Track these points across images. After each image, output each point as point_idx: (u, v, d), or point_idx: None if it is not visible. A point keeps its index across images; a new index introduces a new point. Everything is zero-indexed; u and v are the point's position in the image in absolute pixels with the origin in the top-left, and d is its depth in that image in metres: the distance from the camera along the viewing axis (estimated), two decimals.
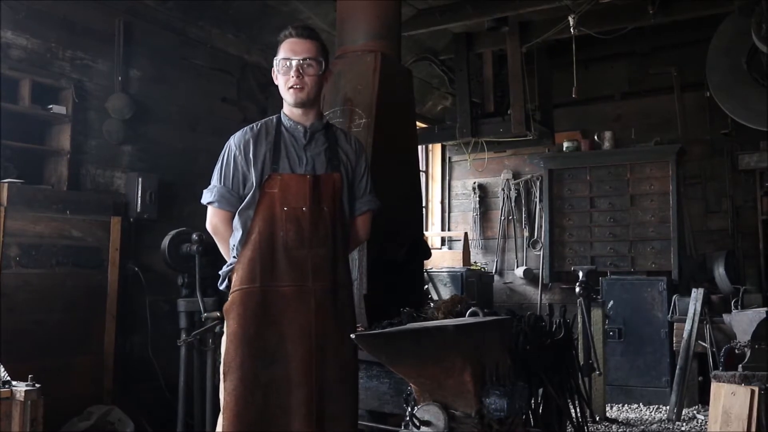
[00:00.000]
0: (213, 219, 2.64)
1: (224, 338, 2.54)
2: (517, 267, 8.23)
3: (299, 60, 2.57)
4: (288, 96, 2.61)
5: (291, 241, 2.51)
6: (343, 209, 2.66)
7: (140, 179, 4.90)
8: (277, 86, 2.70)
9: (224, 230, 2.62)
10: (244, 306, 2.48)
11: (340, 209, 2.63)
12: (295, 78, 2.57)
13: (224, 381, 2.47)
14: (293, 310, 2.49)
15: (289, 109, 2.66)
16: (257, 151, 2.58)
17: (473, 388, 2.30)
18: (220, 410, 2.52)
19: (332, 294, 2.56)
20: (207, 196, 2.62)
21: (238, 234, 2.56)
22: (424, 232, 6.92)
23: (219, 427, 2.51)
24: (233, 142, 2.63)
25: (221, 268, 2.65)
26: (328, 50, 2.72)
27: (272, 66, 2.67)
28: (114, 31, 4.95)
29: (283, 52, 2.61)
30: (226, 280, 2.60)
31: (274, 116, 2.72)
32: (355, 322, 2.72)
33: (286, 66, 2.58)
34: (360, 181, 2.76)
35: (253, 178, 2.56)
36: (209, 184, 2.70)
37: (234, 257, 2.58)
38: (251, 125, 2.67)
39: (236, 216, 2.58)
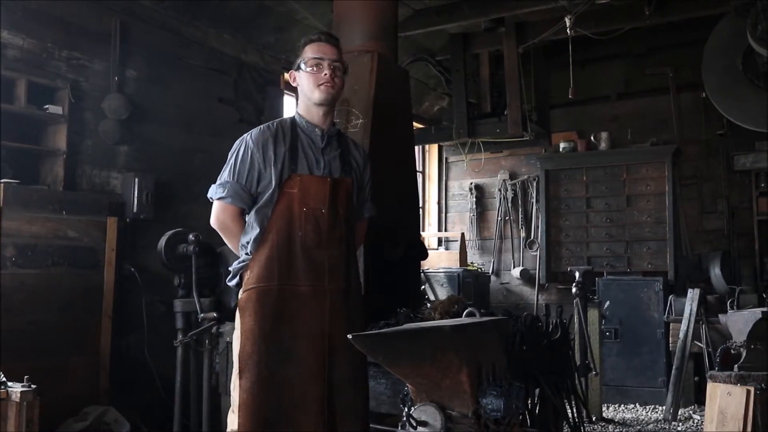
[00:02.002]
0: (221, 214, 2.65)
1: (236, 334, 2.57)
2: (514, 267, 8.24)
3: (330, 59, 2.65)
4: (318, 93, 2.64)
5: (310, 241, 2.55)
6: (354, 213, 2.74)
7: (137, 179, 4.89)
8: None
9: (233, 226, 2.65)
10: (261, 303, 2.51)
11: (351, 213, 2.71)
12: (328, 75, 2.62)
13: (240, 378, 2.48)
14: (308, 309, 2.53)
15: (307, 110, 2.70)
16: (277, 151, 2.60)
17: (470, 388, 2.30)
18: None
19: (345, 295, 2.62)
20: (219, 192, 2.62)
21: (254, 232, 2.58)
22: (421, 233, 6.93)
23: (231, 426, 2.53)
24: (251, 139, 2.64)
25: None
26: None
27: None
28: (110, 31, 4.94)
29: (311, 52, 2.66)
30: (237, 277, 2.63)
31: (287, 117, 2.75)
32: (364, 322, 2.77)
33: (318, 65, 2.64)
34: (364, 188, 2.85)
35: (271, 177, 2.58)
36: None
37: (247, 254, 2.61)
38: (267, 124, 2.70)
39: (252, 214, 2.61)
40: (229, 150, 2.70)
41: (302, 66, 2.67)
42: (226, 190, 2.60)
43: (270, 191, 2.58)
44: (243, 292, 2.57)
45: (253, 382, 2.45)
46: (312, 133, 2.69)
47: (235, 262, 2.66)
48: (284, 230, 2.55)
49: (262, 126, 2.70)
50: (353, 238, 2.74)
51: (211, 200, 2.69)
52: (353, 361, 2.58)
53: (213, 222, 2.69)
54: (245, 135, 2.67)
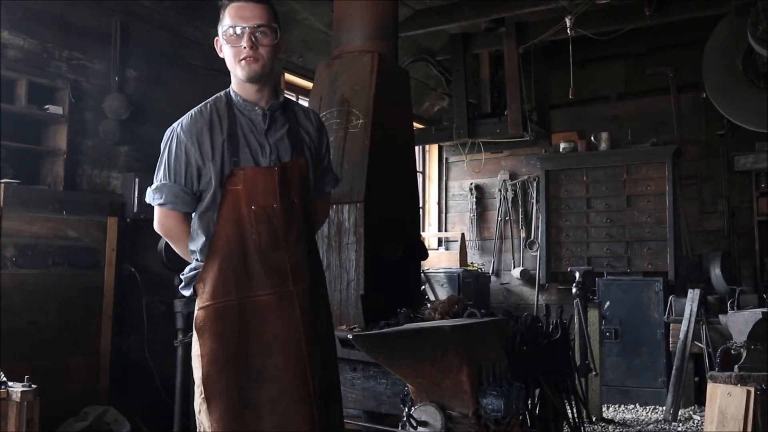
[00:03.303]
0: (165, 221, 2.31)
1: (196, 352, 2.24)
2: (514, 268, 8.24)
3: (251, 27, 2.22)
4: (240, 70, 2.26)
5: (264, 243, 2.21)
6: (311, 198, 2.40)
7: (137, 179, 4.89)
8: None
9: (180, 231, 2.32)
10: (222, 323, 2.19)
11: (308, 199, 2.37)
12: (248, 48, 2.22)
13: (208, 408, 2.18)
14: (276, 318, 2.21)
15: (240, 87, 2.32)
16: (214, 142, 2.23)
17: (470, 388, 2.30)
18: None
19: (311, 293, 2.30)
20: (156, 197, 2.27)
21: (200, 240, 2.27)
22: (421, 233, 6.92)
23: None
24: (181, 130, 2.26)
25: None
26: (278, 12, 2.36)
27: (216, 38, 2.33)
28: (110, 31, 4.94)
29: (229, 18, 2.24)
30: (190, 287, 2.29)
31: (222, 93, 2.36)
32: (332, 318, 2.50)
33: (236, 35, 2.23)
34: (322, 160, 2.49)
35: (211, 173, 2.22)
36: None
37: (197, 260, 2.29)
38: (199, 109, 2.32)
39: (196, 219, 2.29)
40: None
41: (221, 34, 2.28)
42: (164, 195, 2.25)
43: (212, 191, 2.23)
44: (198, 310, 2.23)
45: (224, 411, 2.15)
46: (252, 113, 2.30)
47: (187, 269, 2.33)
48: (234, 235, 2.20)
49: (193, 111, 2.31)
50: (312, 228, 2.43)
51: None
52: (330, 363, 2.35)
53: (157, 228, 2.36)
54: (175, 124, 2.30)
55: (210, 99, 2.36)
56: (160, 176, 2.27)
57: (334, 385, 2.37)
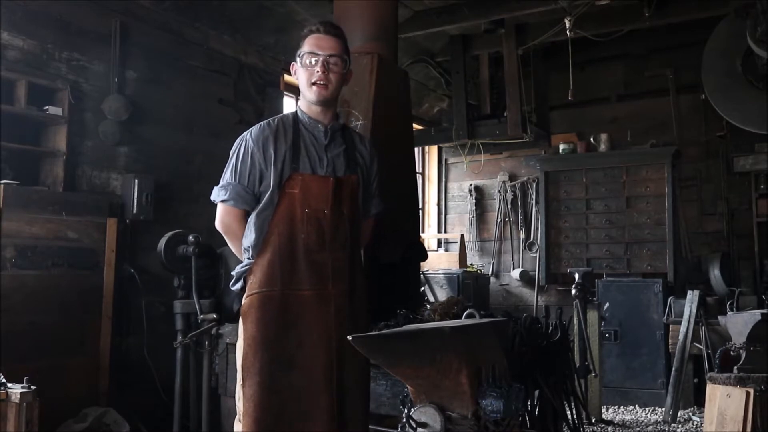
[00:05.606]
0: (226, 217, 2.57)
1: (240, 341, 2.49)
2: (514, 269, 8.24)
3: (326, 56, 2.52)
4: (310, 92, 2.54)
5: (312, 243, 2.47)
6: (359, 212, 2.65)
7: (136, 180, 4.89)
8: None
9: (238, 229, 2.56)
10: (264, 310, 2.44)
11: (357, 212, 2.61)
12: (320, 74, 2.50)
13: (242, 386, 2.43)
14: (313, 314, 2.45)
15: (307, 106, 2.60)
16: (277, 149, 2.50)
17: (469, 389, 2.30)
18: (236, 414, 2.50)
19: (350, 298, 2.54)
20: (221, 194, 2.55)
21: (252, 236, 2.51)
22: (421, 234, 6.93)
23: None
24: (250, 137, 2.54)
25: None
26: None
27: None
28: (110, 32, 4.94)
29: (308, 46, 2.54)
30: (241, 281, 2.55)
31: (289, 113, 2.65)
32: (369, 324, 2.70)
33: (312, 61, 2.52)
34: (371, 184, 2.75)
35: (271, 176, 2.49)
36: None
37: (249, 258, 2.53)
38: (268, 121, 2.60)
39: (253, 216, 2.53)
40: (230, 151, 2.62)
41: (298, 60, 2.57)
42: (228, 192, 2.53)
43: (270, 192, 2.49)
44: (246, 298, 2.50)
45: (255, 391, 2.39)
46: (314, 129, 2.58)
47: (239, 266, 2.59)
48: (286, 233, 2.46)
49: (262, 123, 2.60)
50: (359, 239, 2.65)
51: (214, 203, 2.62)
52: (359, 365, 2.53)
53: (217, 225, 2.61)
54: (245, 133, 2.58)
55: (279, 115, 2.67)
56: (226, 177, 2.56)
57: (362, 384, 2.58)
